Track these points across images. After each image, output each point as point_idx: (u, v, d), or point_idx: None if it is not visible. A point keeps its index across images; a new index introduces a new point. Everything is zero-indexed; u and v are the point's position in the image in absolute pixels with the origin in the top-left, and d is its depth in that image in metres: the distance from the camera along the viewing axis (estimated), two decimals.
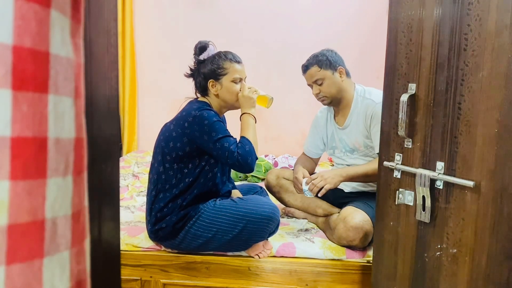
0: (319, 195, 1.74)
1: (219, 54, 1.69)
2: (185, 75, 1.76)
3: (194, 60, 1.73)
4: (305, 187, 1.79)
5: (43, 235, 0.34)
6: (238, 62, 1.69)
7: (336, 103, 1.90)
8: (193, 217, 1.60)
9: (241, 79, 1.69)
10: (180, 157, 1.61)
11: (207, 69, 1.67)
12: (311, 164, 2.10)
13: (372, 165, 1.74)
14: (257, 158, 1.63)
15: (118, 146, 0.75)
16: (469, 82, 1.00)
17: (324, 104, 1.93)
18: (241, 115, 1.68)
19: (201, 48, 1.70)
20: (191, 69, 1.75)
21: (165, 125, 1.71)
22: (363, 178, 1.78)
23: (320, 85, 1.85)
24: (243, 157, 1.55)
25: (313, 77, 1.85)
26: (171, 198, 1.61)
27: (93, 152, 0.54)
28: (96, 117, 0.62)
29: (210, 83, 1.67)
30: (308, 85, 1.91)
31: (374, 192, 1.54)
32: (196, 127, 1.56)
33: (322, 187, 1.72)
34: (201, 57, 1.69)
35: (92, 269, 0.41)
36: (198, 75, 1.71)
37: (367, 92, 1.88)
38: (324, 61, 1.83)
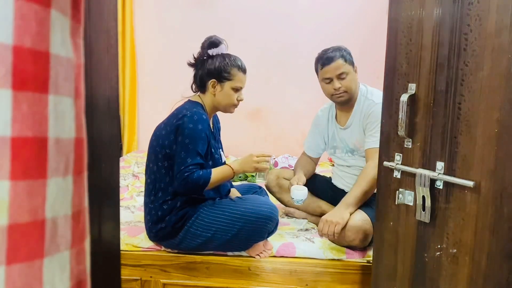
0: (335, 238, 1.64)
1: (229, 57, 1.67)
2: (188, 64, 1.73)
3: (200, 52, 1.70)
4: (294, 196, 1.75)
5: (43, 235, 0.34)
6: (244, 72, 1.69)
7: (347, 101, 1.86)
8: (192, 216, 1.60)
9: (241, 88, 1.70)
10: (169, 156, 1.60)
11: (214, 67, 1.65)
12: (312, 165, 2.09)
13: (363, 182, 1.69)
14: (197, 191, 1.59)
15: (118, 146, 0.75)
16: (469, 82, 1.00)
17: (339, 101, 1.86)
18: (227, 164, 1.65)
19: (212, 43, 1.67)
20: (195, 59, 1.72)
21: (158, 124, 1.72)
22: (365, 196, 1.70)
23: (342, 79, 1.79)
24: (190, 182, 1.52)
25: (338, 70, 1.78)
26: (167, 198, 1.61)
27: (93, 152, 0.54)
28: (96, 117, 0.62)
29: (211, 82, 1.66)
30: (326, 78, 1.81)
31: (374, 193, 1.53)
32: (181, 124, 1.56)
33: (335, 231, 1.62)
34: (210, 52, 1.67)
35: (92, 269, 0.41)
36: (201, 69, 1.68)
37: (369, 92, 1.87)
38: (347, 55, 1.80)
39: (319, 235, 1.71)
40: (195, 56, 1.72)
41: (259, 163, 1.63)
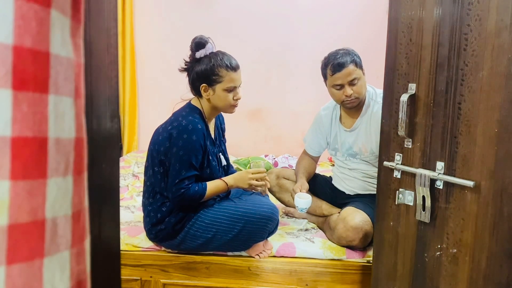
0: None
1: (216, 58, 1.58)
2: (179, 70, 1.67)
3: (190, 55, 1.64)
4: (298, 204, 1.73)
5: (43, 235, 0.34)
6: (235, 69, 1.59)
7: (357, 105, 1.80)
8: (192, 217, 1.60)
9: (235, 87, 1.61)
10: (164, 162, 1.58)
11: (202, 70, 1.58)
12: (313, 166, 2.08)
13: None
14: (192, 204, 1.60)
15: (118, 146, 0.75)
16: (469, 82, 1.00)
17: (349, 107, 1.80)
18: (222, 179, 1.65)
19: (198, 44, 1.59)
20: (186, 63, 1.65)
21: (157, 128, 1.69)
22: None
23: (354, 85, 1.72)
24: (186, 198, 1.54)
25: (349, 76, 1.70)
26: (166, 200, 1.61)
27: (93, 152, 0.54)
28: (96, 117, 0.62)
29: (203, 87, 1.59)
30: (337, 85, 1.74)
31: (374, 194, 1.54)
32: (175, 133, 1.54)
33: None
34: (197, 54, 1.59)
35: (92, 269, 0.41)
36: (192, 73, 1.62)
37: (379, 95, 1.80)
38: (357, 60, 1.73)
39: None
40: (186, 60, 1.65)
41: (254, 181, 1.63)
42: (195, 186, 1.55)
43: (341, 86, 1.74)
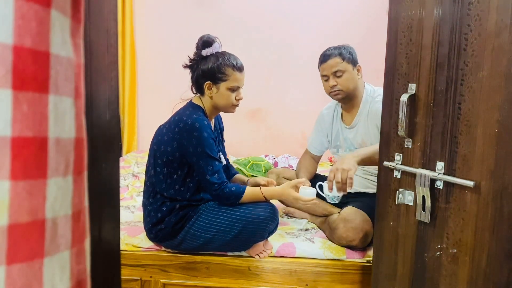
0: (349, 189, 1.60)
1: (223, 57, 1.61)
2: (183, 66, 1.69)
3: (195, 52, 1.66)
4: (305, 195, 1.71)
5: (43, 235, 0.34)
6: (240, 70, 1.63)
7: (348, 100, 1.87)
8: (192, 217, 1.60)
9: (238, 87, 1.65)
10: (170, 162, 1.59)
11: (207, 68, 1.61)
12: (314, 166, 2.09)
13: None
14: (229, 204, 1.61)
15: (118, 146, 0.75)
16: (469, 82, 1.00)
17: (336, 99, 1.88)
18: (263, 185, 1.70)
19: (205, 42, 1.62)
20: (190, 60, 1.68)
21: (159, 127, 1.70)
22: (375, 157, 1.61)
23: (338, 77, 1.81)
24: (221, 196, 1.57)
25: (333, 68, 1.80)
26: (166, 200, 1.61)
27: (93, 152, 0.54)
28: (96, 117, 0.62)
29: (207, 85, 1.62)
30: (323, 76, 1.85)
31: (375, 193, 1.54)
32: (185, 134, 1.54)
33: (347, 178, 1.59)
34: (204, 52, 1.62)
35: (92, 269, 0.41)
36: (197, 70, 1.64)
37: (377, 92, 1.86)
38: (346, 54, 1.81)
39: (329, 187, 1.64)
40: (190, 57, 1.68)
41: (299, 202, 1.65)
42: (232, 187, 1.58)
43: (327, 78, 1.84)
